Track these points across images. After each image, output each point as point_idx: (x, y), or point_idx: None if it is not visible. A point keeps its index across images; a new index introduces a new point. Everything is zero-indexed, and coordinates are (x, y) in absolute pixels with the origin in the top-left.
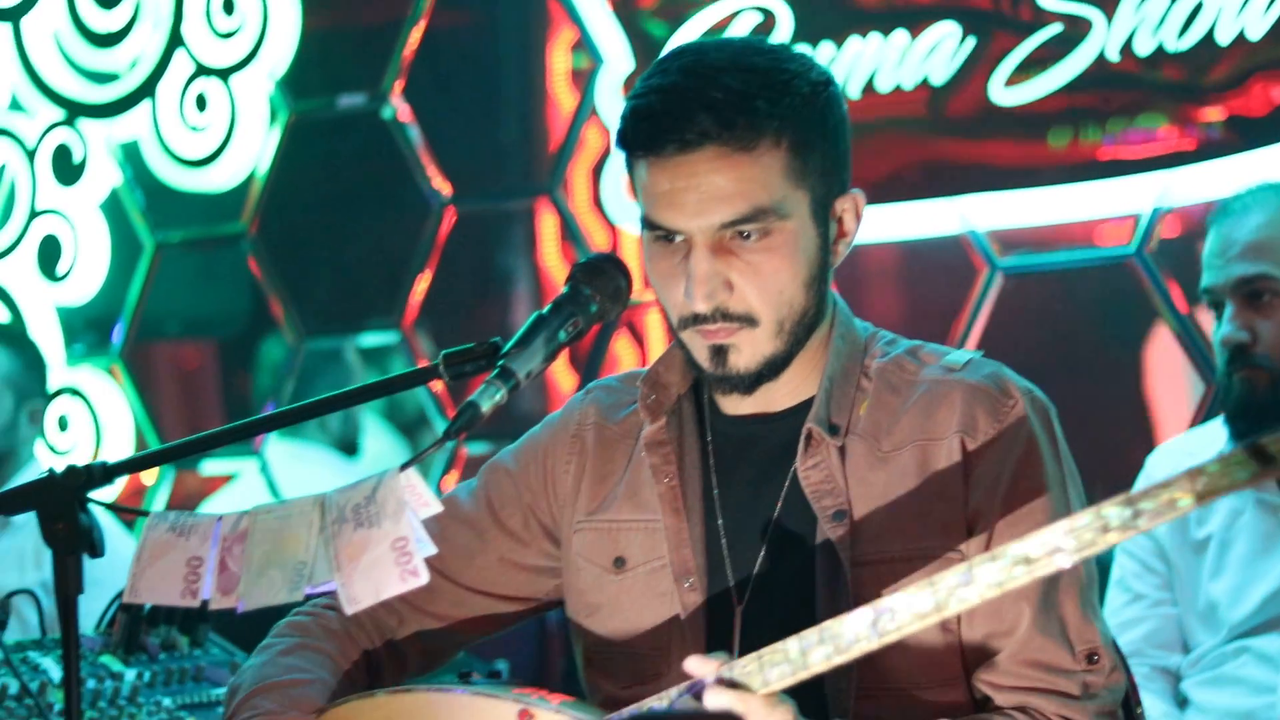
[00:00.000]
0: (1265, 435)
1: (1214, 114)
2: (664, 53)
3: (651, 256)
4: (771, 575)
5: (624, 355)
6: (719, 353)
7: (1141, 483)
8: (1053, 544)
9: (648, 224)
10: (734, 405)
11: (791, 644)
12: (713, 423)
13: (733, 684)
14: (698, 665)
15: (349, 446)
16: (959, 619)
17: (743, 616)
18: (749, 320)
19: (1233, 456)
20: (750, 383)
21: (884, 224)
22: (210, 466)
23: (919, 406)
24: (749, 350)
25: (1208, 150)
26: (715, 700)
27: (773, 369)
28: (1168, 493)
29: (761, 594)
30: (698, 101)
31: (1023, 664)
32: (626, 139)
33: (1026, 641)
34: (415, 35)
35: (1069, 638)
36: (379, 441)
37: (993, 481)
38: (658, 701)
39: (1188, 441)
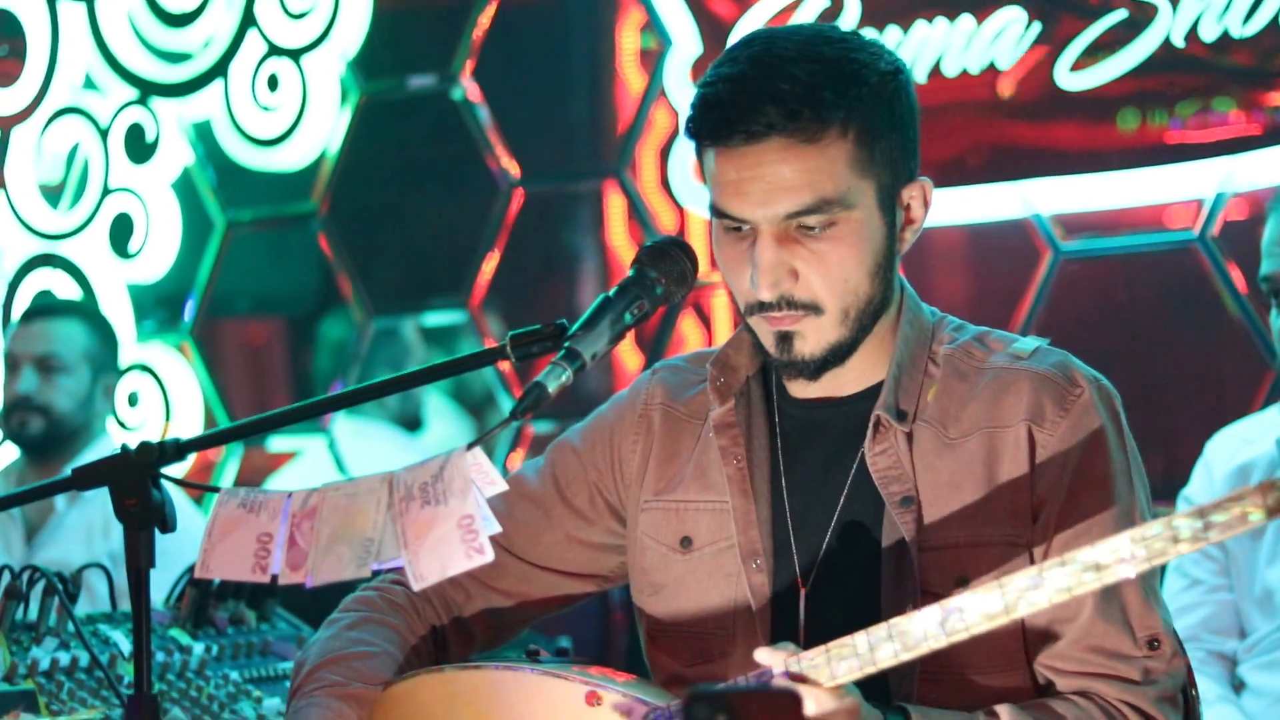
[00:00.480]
0: None
1: (1272, 100)
2: (734, 40)
3: (719, 243)
4: (837, 558)
5: (690, 335)
6: (785, 339)
7: (1200, 468)
8: (1123, 552)
9: (715, 212)
10: (802, 389)
11: (860, 639)
12: (781, 406)
13: (801, 678)
14: (767, 656)
15: (411, 422)
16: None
17: (807, 599)
18: (814, 308)
19: None
20: (816, 368)
21: (949, 208)
22: (277, 443)
23: (986, 394)
24: (814, 337)
25: (1273, 135)
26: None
27: (839, 355)
28: (1239, 506)
29: (827, 577)
30: (765, 93)
31: (1085, 649)
32: (695, 128)
33: (1089, 628)
34: (485, 16)
35: (1131, 624)
36: (446, 420)
37: (1059, 469)
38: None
39: (1246, 428)
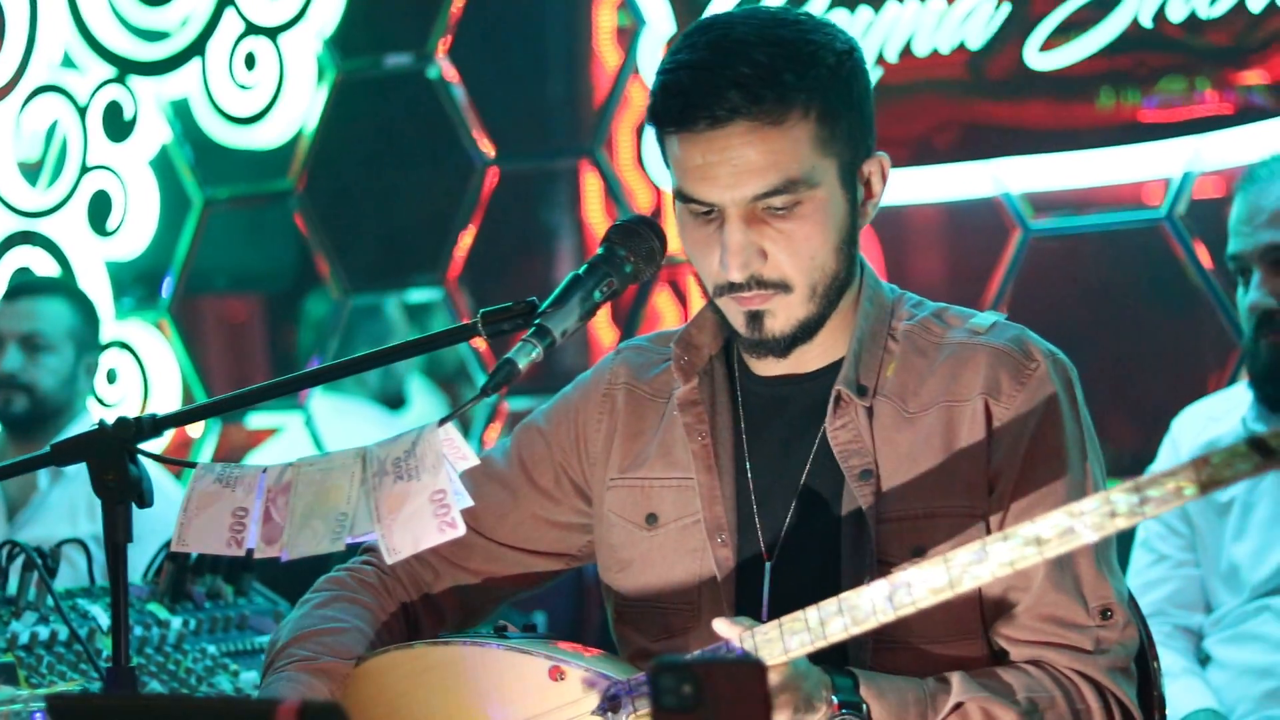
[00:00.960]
0: (1267, 430)
1: (1244, 79)
2: (690, 25)
3: (685, 227)
4: (800, 532)
5: (665, 310)
6: (755, 318)
7: (1166, 445)
8: (1062, 526)
9: (681, 196)
10: (765, 367)
11: (811, 613)
12: (744, 383)
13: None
14: (724, 628)
15: (393, 400)
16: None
17: (771, 572)
18: (783, 287)
19: (1236, 449)
20: (786, 345)
21: (920, 186)
22: (256, 420)
23: (945, 369)
24: (784, 315)
25: (1245, 114)
26: None
27: (807, 331)
28: (1174, 481)
29: (790, 550)
30: (726, 77)
31: (1037, 619)
32: (657, 115)
33: (1041, 597)
34: None
35: (1083, 594)
36: (426, 397)
37: (1014, 441)
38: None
39: (1212, 405)
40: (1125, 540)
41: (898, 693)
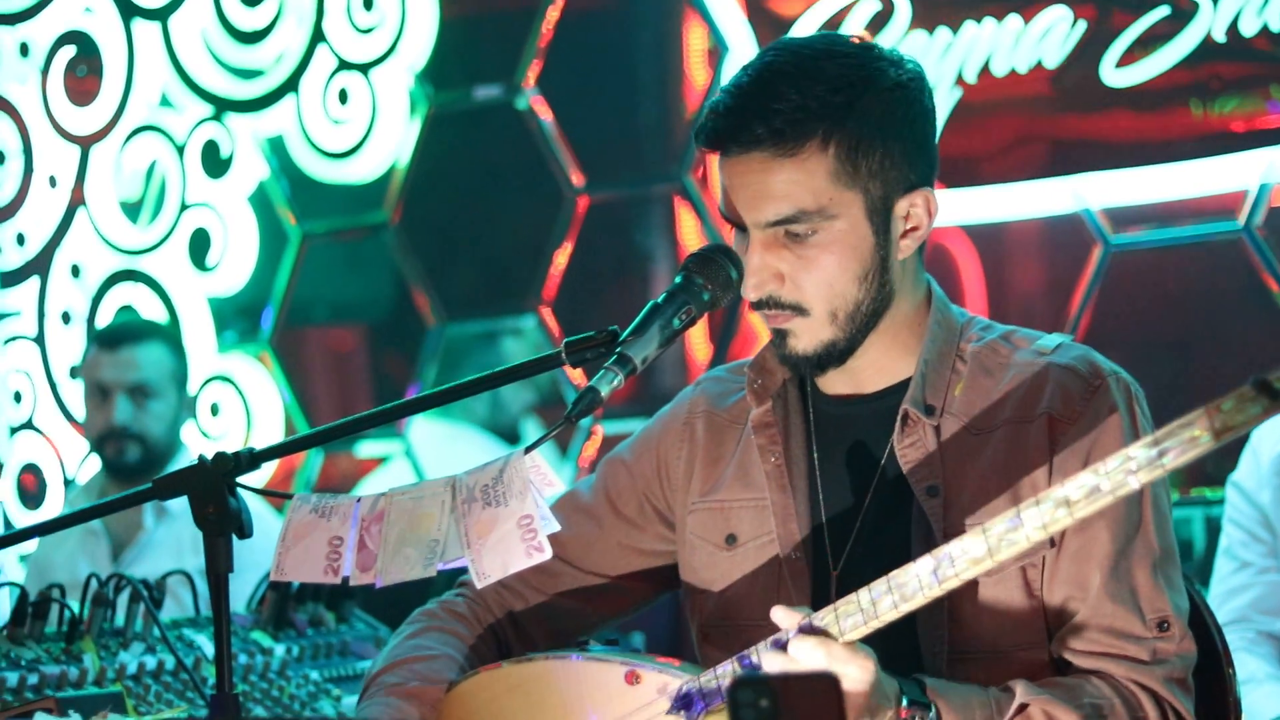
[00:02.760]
0: (1272, 372)
1: None
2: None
3: (735, 243)
4: (866, 545)
5: (759, 325)
6: (780, 336)
7: (1247, 454)
8: (1089, 485)
9: (722, 213)
10: (830, 385)
11: (862, 594)
12: (814, 403)
13: (815, 629)
14: (783, 616)
15: (507, 433)
16: (1041, 583)
17: (838, 583)
18: (799, 309)
19: (1244, 393)
20: (815, 364)
21: (1002, 203)
22: (365, 449)
23: (1011, 388)
24: (806, 336)
25: None
26: (799, 648)
27: (837, 354)
28: (1187, 431)
29: (858, 563)
30: (756, 108)
31: (1096, 629)
32: (698, 135)
33: (1098, 607)
34: (549, 23)
35: (1140, 605)
36: (531, 426)
37: (1077, 458)
38: (746, 651)
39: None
40: (1212, 551)
41: (963, 696)
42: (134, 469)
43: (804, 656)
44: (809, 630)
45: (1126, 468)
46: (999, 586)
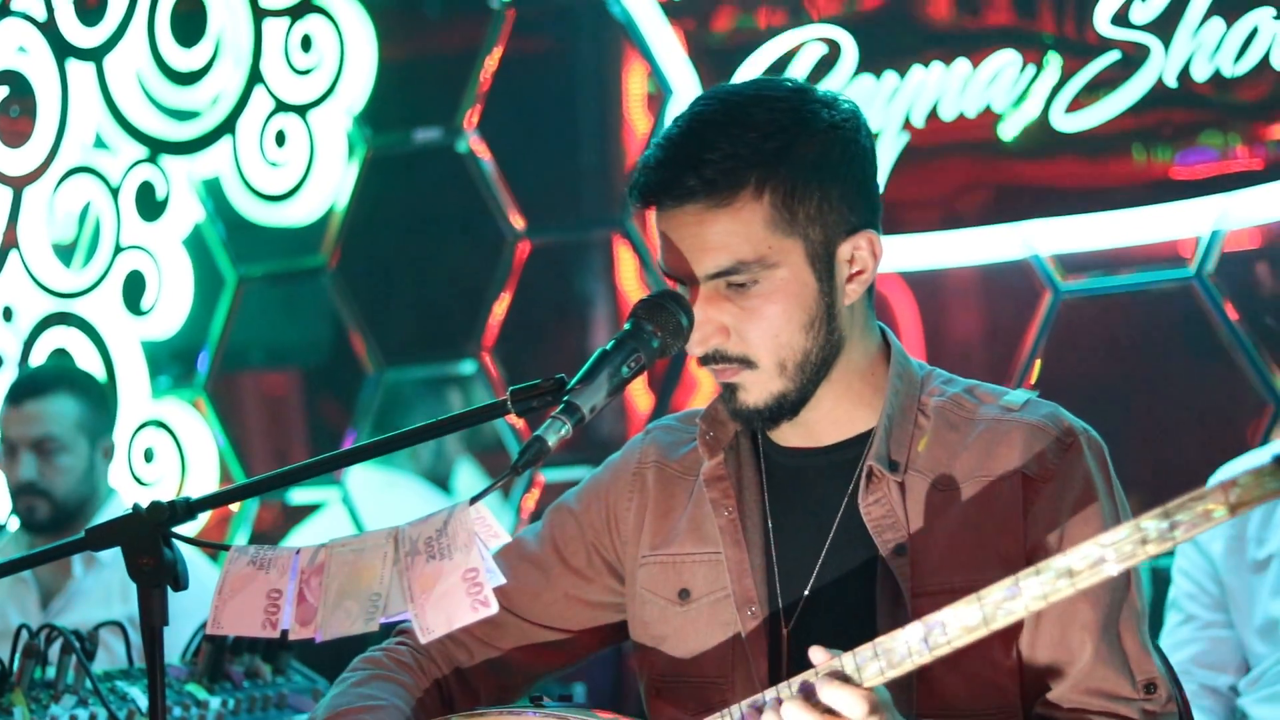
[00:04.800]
0: None
1: (1273, 134)
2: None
3: None
4: (824, 601)
5: (702, 376)
6: (729, 390)
7: None
8: (1095, 556)
9: (661, 268)
10: (783, 437)
11: (847, 658)
12: (767, 454)
13: (844, 676)
14: (818, 654)
15: (442, 479)
16: (1020, 648)
17: (790, 639)
18: (746, 362)
19: (1262, 469)
20: (768, 418)
21: (950, 249)
22: (299, 495)
23: (979, 444)
24: (755, 389)
25: (1267, 172)
26: (831, 694)
27: (789, 405)
28: (1202, 504)
29: (811, 619)
30: (687, 159)
31: (1084, 692)
32: (634, 191)
33: (1089, 671)
34: (490, 63)
35: (1130, 668)
36: (465, 473)
37: (1052, 517)
38: (770, 692)
39: (1248, 462)
40: (1157, 605)
41: None
42: (45, 526)
43: (841, 705)
44: (838, 675)
45: (1136, 539)
46: (974, 647)
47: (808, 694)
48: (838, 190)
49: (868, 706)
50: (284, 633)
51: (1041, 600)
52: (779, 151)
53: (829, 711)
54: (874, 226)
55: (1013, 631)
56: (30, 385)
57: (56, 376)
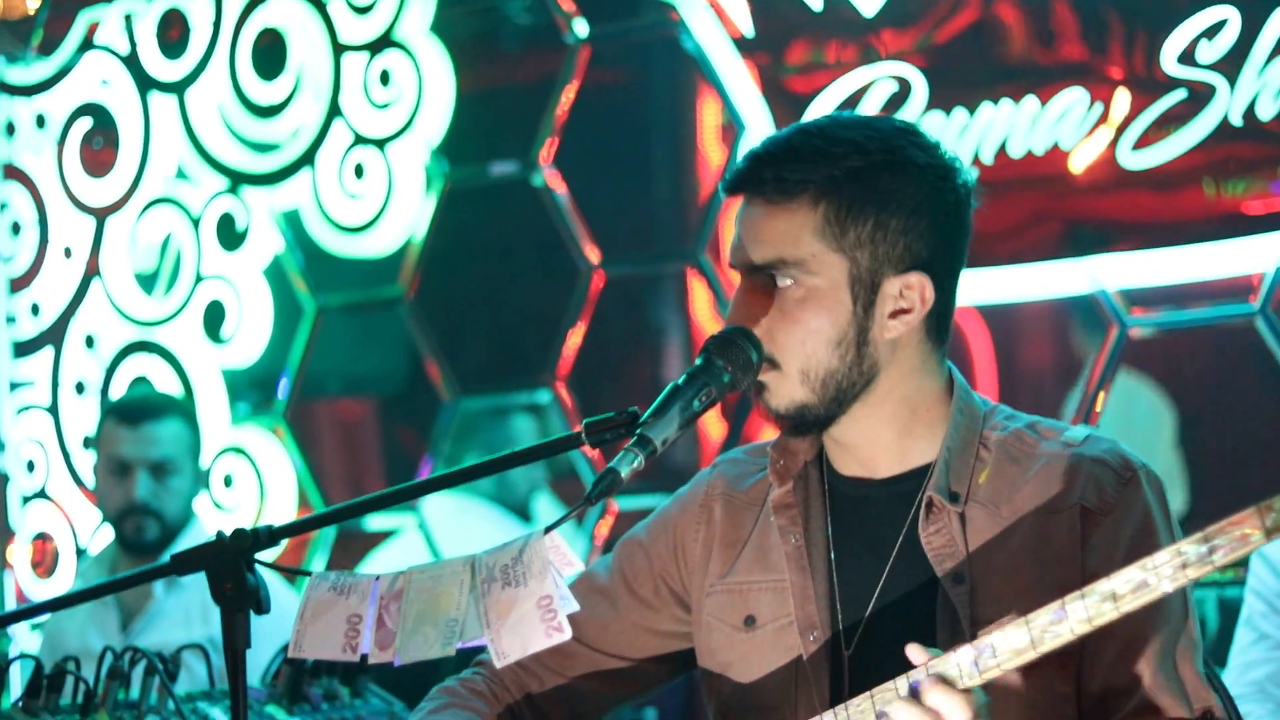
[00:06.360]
0: None
1: None
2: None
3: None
4: (884, 628)
5: None
6: (758, 389)
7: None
8: (1137, 580)
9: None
10: (845, 466)
11: (900, 682)
12: (832, 484)
13: (945, 679)
14: (916, 653)
15: (518, 507)
16: (1078, 675)
17: (850, 664)
18: (772, 362)
19: None
20: (792, 427)
21: (1018, 284)
22: (375, 521)
23: (1039, 478)
24: (779, 392)
25: None
26: (937, 698)
27: (812, 420)
28: (1239, 529)
29: (871, 642)
30: (770, 158)
31: (1141, 719)
32: (724, 179)
33: (1147, 699)
34: (566, 97)
35: (1187, 695)
36: (543, 503)
37: (1109, 550)
38: (883, 692)
39: None
40: (1224, 633)
41: None
42: (151, 546)
43: (946, 709)
44: (939, 679)
45: (1176, 563)
46: (1033, 674)
47: (914, 694)
48: (898, 224)
49: (970, 711)
50: (363, 657)
51: (1086, 624)
52: (850, 170)
53: (934, 713)
54: (934, 273)
55: (1071, 658)
56: (146, 407)
57: (169, 402)
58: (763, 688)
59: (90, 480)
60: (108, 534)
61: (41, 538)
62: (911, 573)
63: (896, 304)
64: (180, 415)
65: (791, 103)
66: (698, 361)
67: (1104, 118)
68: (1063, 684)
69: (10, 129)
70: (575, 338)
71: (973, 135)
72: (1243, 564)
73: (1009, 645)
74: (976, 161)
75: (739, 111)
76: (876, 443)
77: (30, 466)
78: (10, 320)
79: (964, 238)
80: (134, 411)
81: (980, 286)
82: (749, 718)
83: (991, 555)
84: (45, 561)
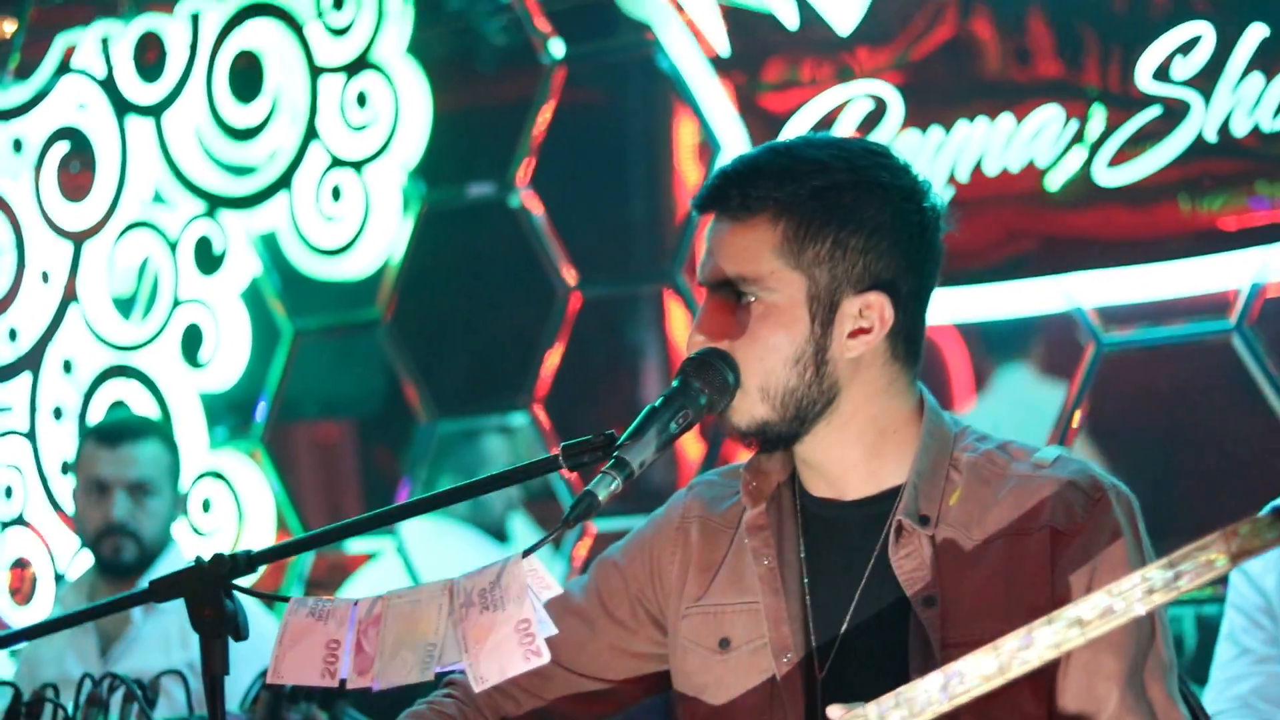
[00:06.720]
0: None
1: None
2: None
3: None
4: (856, 651)
5: None
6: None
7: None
8: (1103, 606)
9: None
10: (816, 488)
11: (871, 708)
12: (804, 506)
13: None
14: (836, 712)
15: (494, 529)
16: (1052, 700)
17: (823, 687)
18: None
19: (1261, 520)
20: (753, 441)
21: (994, 301)
22: (355, 545)
23: (1010, 499)
24: (740, 409)
25: None
26: None
27: (774, 436)
28: (1205, 554)
29: (843, 667)
30: (737, 176)
31: None
32: (696, 196)
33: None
34: (543, 118)
35: (1156, 718)
36: (518, 524)
37: (1080, 571)
38: None
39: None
40: (1203, 650)
41: None
42: (129, 568)
43: None
44: None
45: (1143, 589)
46: (1003, 698)
47: None
48: (860, 244)
49: None
50: (342, 682)
51: (1054, 649)
52: (814, 190)
53: None
54: (896, 294)
55: (1041, 682)
56: (126, 429)
57: (148, 424)
58: (738, 710)
59: (69, 505)
60: (86, 560)
61: (19, 564)
62: (883, 595)
63: (856, 323)
64: (159, 437)
65: (768, 122)
66: (674, 384)
67: (1079, 135)
68: (1034, 705)
69: None
70: (553, 359)
71: (948, 153)
72: (1221, 581)
73: (978, 671)
74: (952, 180)
75: (715, 131)
76: (844, 463)
77: (8, 492)
78: None
79: (930, 259)
80: (113, 433)
81: (957, 304)
82: None
83: (962, 577)
84: (23, 588)
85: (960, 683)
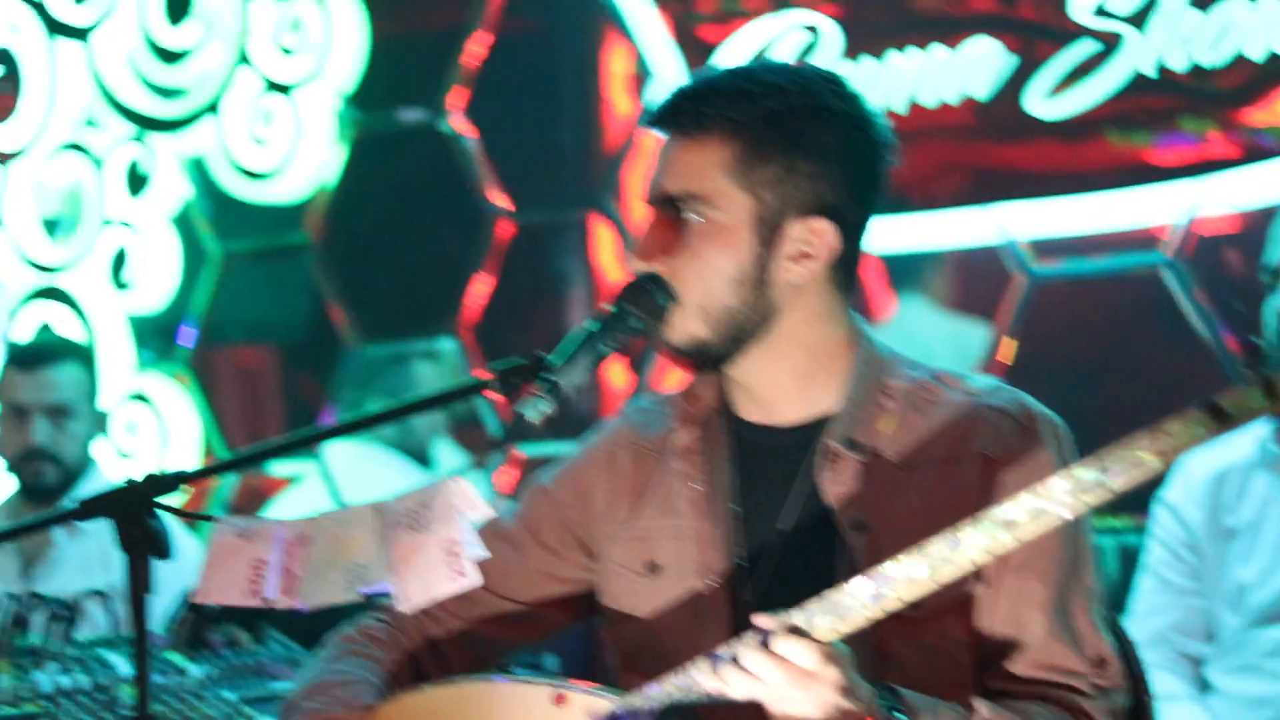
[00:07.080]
0: (1220, 394)
1: (1250, 120)
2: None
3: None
4: (787, 576)
5: None
6: None
7: (1179, 475)
8: (1033, 506)
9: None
10: (749, 413)
11: (796, 614)
12: (737, 431)
13: (800, 630)
14: (764, 620)
15: (417, 453)
16: (975, 623)
17: (750, 609)
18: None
19: (1191, 415)
20: (689, 360)
21: (924, 232)
22: (278, 467)
23: (942, 427)
24: (677, 326)
25: (1243, 158)
26: (788, 648)
27: (710, 357)
28: (1131, 451)
29: (771, 589)
30: (692, 94)
31: (1036, 667)
32: (648, 112)
33: (1041, 647)
34: (475, 45)
35: (1081, 645)
36: (441, 448)
37: (1011, 496)
38: (726, 649)
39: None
40: (1125, 581)
41: (933, 709)
42: (50, 491)
43: (793, 655)
44: (794, 629)
45: (1072, 487)
46: (930, 622)
47: (764, 645)
48: (810, 169)
49: (819, 656)
50: (268, 601)
51: (984, 553)
52: (768, 113)
53: (781, 659)
54: (841, 221)
55: (968, 607)
56: (42, 352)
57: (66, 346)
58: (666, 632)
59: None
60: (9, 482)
61: None
62: (813, 520)
63: (799, 247)
64: (77, 359)
65: (704, 51)
66: (610, 307)
67: (1015, 67)
68: (959, 631)
69: None
70: (481, 285)
71: (883, 84)
72: (1142, 511)
73: (907, 575)
74: (889, 112)
75: (650, 60)
76: (777, 387)
77: None
78: None
79: (876, 190)
80: (30, 356)
81: (887, 235)
82: (653, 663)
83: (892, 503)
84: None
85: (890, 588)
